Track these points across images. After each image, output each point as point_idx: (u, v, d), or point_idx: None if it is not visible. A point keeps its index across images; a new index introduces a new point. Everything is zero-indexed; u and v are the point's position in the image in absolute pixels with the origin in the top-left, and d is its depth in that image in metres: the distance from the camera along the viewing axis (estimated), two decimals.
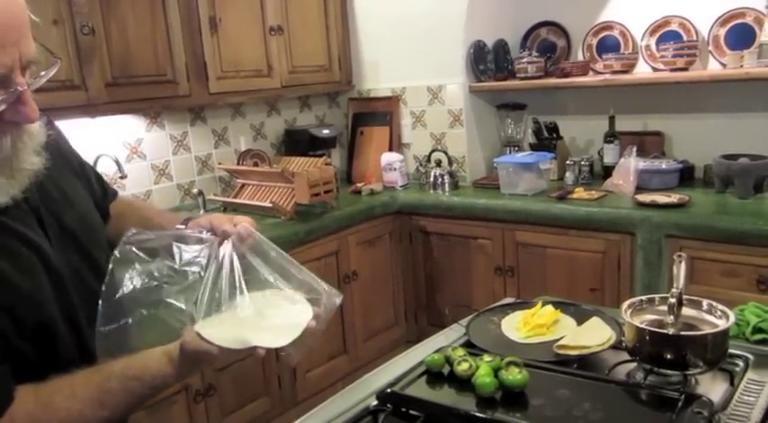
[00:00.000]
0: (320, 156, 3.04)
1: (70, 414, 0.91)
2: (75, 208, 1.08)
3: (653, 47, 2.99)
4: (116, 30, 2.34)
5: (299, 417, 1.17)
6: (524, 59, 3.13)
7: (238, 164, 3.04)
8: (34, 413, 0.89)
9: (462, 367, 1.17)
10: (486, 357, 1.18)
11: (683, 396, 1.04)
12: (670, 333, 1.15)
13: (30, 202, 0.98)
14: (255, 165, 3.04)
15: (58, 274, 0.98)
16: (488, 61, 3.24)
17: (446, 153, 3.25)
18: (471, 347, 1.31)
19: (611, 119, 3.00)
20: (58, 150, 1.09)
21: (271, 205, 2.75)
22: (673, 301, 1.18)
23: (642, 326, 1.17)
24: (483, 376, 1.12)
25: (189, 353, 0.97)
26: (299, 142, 3.28)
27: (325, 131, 3.31)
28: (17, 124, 0.88)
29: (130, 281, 1.02)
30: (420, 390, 1.18)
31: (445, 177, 3.14)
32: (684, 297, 1.20)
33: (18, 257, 0.93)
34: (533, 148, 3.25)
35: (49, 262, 0.97)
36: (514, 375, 1.11)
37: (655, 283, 2.45)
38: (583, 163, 3.02)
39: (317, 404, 1.21)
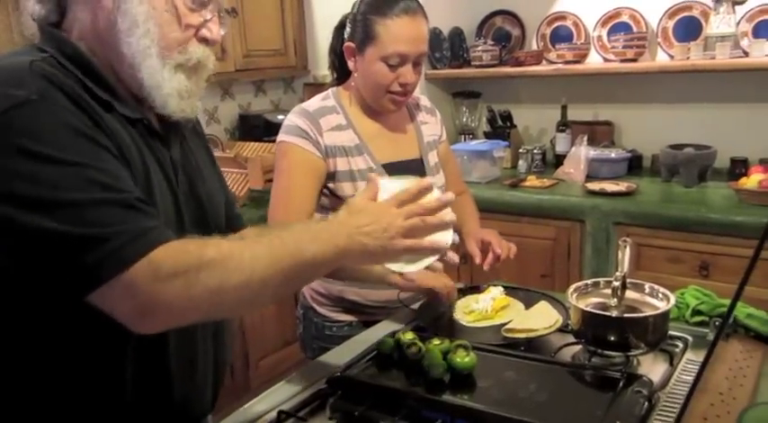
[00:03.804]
0: (275, 142, 3.00)
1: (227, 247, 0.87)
2: (207, 184, 1.08)
3: (604, 37, 3.04)
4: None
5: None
6: (479, 48, 3.15)
7: None
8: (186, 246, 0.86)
9: (412, 351, 1.18)
10: (435, 340, 1.19)
11: (624, 376, 1.07)
12: (613, 315, 1.18)
13: (172, 155, 1.00)
14: None
15: (180, 214, 0.99)
16: (444, 49, 3.25)
17: None
18: (422, 331, 1.32)
19: (564, 108, 3.04)
20: (195, 128, 1.13)
21: None
22: (616, 284, 1.21)
23: (586, 308, 1.19)
24: (432, 359, 1.13)
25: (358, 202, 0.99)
26: (253, 127, 3.23)
27: (281, 117, 3.26)
28: (206, 43, 0.97)
29: None
30: (370, 374, 1.18)
31: None
32: (628, 281, 1.23)
33: (160, 186, 0.95)
34: (487, 136, 3.28)
35: (178, 202, 0.98)
36: (462, 358, 1.12)
37: (603, 269, 2.50)
38: (535, 151, 3.06)
39: None
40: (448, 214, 1.03)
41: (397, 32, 1.48)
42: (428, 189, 1.02)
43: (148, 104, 0.96)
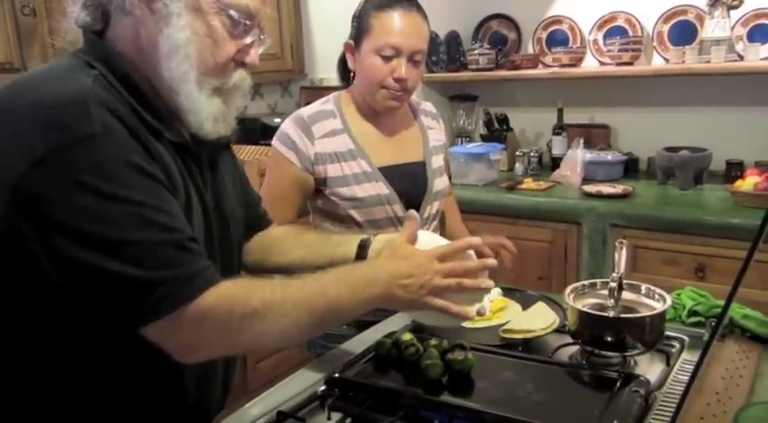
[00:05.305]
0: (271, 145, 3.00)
1: (273, 293, 0.92)
2: (231, 201, 1.11)
3: (600, 41, 3.06)
4: (59, 12, 2.26)
5: None
6: (476, 51, 3.16)
7: None
8: (235, 292, 0.90)
9: (410, 351, 1.18)
10: (433, 341, 1.20)
11: (621, 376, 1.08)
12: (610, 316, 1.19)
13: (203, 173, 1.02)
14: None
15: (211, 232, 1.02)
16: (441, 52, 3.26)
17: None
18: (419, 332, 1.32)
19: (560, 111, 3.06)
20: (225, 144, 1.15)
21: None
22: (613, 285, 1.21)
23: (584, 309, 1.20)
24: (430, 360, 1.13)
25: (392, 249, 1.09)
26: (250, 131, 3.23)
27: (278, 120, 3.26)
28: (243, 66, 0.98)
29: None
30: (368, 374, 1.18)
31: None
32: (624, 281, 1.23)
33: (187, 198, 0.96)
34: (484, 139, 3.29)
35: (209, 220, 1.00)
36: (460, 358, 1.13)
37: (600, 270, 2.51)
38: (532, 154, 3.07)
39: None
40: (485, 282, 1.10)
41: (389, 24, 1.51)
42: (473, 247, 1.11)
43: (184, 123, 0.98)
